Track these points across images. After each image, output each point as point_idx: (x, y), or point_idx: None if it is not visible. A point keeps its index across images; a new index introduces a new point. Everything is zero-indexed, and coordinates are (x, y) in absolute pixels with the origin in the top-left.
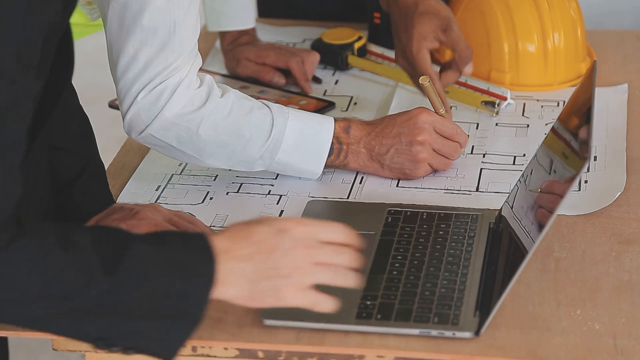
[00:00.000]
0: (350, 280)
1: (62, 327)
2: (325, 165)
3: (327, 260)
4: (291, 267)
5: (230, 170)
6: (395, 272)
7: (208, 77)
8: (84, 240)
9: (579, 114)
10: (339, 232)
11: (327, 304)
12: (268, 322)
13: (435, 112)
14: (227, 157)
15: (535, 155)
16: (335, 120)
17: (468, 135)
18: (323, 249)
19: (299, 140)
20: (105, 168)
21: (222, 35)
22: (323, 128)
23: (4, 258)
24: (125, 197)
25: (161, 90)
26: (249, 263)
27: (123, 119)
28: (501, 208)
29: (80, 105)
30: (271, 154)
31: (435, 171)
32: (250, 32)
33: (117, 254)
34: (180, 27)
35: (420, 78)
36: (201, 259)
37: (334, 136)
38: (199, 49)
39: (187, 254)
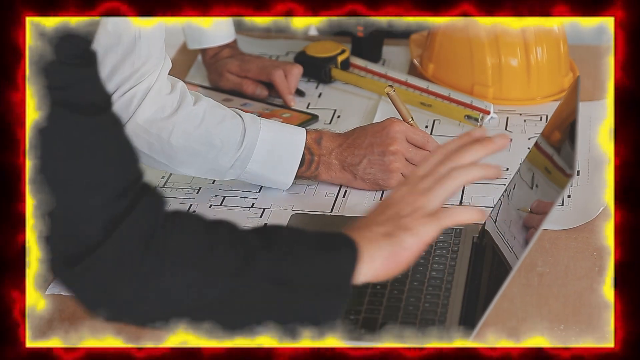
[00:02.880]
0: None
1: (229, 319)
2: (296, 177)
3: (432, 182)
4: (406, 201)
5: (213, 182)
6: (378, 287)
7: (180, 83)
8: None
9: (562, 128)
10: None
11: (467, 213)
12: None
13: (404, 121)
14: (199, 166)
15: (519, 170)
16: (307, 131)
17: (438, 144)
18: (423, 177)
19: (271, 150)
20: None
21: (204, 49)
22: (295, 139)
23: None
24: None
25: (131, 96)
26: (373, 224)
27: None
28: (484, 222)
29: None
30: (242, 164)
31: None
32: (232, 45)
33: (267, 234)
34: (145, 32)
35: (386, 88)
36: (340, 236)
37: (305, 147)
38: (181, 62)
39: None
